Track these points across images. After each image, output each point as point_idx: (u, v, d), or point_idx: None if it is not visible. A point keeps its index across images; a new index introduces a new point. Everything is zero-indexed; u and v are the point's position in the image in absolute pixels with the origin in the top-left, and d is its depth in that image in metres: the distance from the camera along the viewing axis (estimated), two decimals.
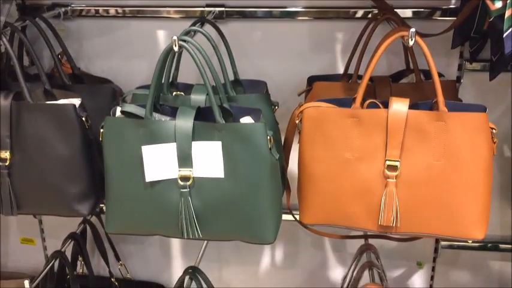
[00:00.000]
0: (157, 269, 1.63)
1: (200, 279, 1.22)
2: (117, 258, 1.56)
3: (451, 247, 1.42)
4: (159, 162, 0.98)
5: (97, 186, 1.10)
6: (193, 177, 0.98)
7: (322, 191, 1.03)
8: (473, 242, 1.39)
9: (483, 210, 0.97)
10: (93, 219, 1.49)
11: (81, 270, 1.53)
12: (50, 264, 1.25)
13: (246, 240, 1.02)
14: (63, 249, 1.31)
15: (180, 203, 0.98)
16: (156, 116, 1.01)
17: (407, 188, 0.98)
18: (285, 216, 1.39)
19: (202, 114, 1.01)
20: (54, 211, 1.11)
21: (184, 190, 0.98)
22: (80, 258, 1.50)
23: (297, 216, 1.26)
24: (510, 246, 1.38)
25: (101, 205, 1.43)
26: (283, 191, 1.16)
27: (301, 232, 1.53)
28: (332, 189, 1.02)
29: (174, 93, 1.15)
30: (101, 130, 1.02)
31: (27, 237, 1.65)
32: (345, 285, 1.33)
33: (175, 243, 1.60)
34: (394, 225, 0.99)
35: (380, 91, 1.18)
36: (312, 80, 1.26)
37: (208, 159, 0.97)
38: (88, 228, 1.48)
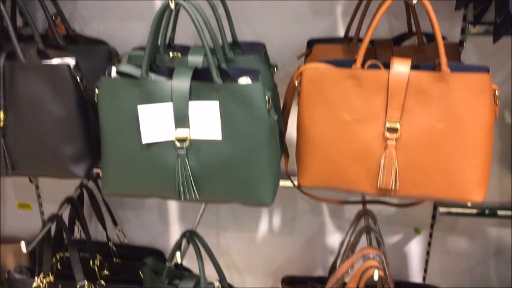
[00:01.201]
0: (155, 235, 1.63)
1: (197, 242, 1.22)
2: (115, 223, 1.55)
3: (449, 213, 1.42)
4: (155, 123, 0.97)
5: (93, 148, 1.09)
6: (190, 139, 0.97)
7: (321, 153, 1.02)
8: (471, 207, 1.39)
9: (483, 173, 0.96)
10: (90, 184, 1.49)
11: (78, 236, 1.52)
12: (47, 227, 1.24)
13: (244, 202, 1.01)
14: (59, 213, 1.30)
15: (177, 164, 0.97)
16: (152, 76, 1.00)
17: (407, 150, 0.97)
18: (283, 182, 1.39)
19: (200, 76, 0.99)
20: (49, 172, 1.10)
21: (181, 152, 0.97)
22: (77, 223, 1.50)
23: (295, 182, 1.26)
24: (509, 212, 1.38)
25: (98, 171, 1.43)
26: (281, 155, 1.15)
27: (299, 198, 1.52)
28: (331, 151, 1.01)
29: (171, 54, 1.13)
30: (96, 91, 1.00)
31: (24, 202, 1.65)
32: (342, 250, 1.34)
33: (173, 209, 1.60)
34: (393, 188, 0.98)
35: (381, 54, 1.16)
36: (311, 43, 1.24)
37: (206, 119, 0.96)
38: (85, 193, 1.48)
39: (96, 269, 1.40)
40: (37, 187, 1.60)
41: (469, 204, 0.99)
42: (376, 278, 1.09)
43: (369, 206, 1.31)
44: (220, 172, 0.98)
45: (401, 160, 0.97)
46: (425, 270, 1.53)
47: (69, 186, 1.45)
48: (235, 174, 0.98)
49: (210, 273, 1.25)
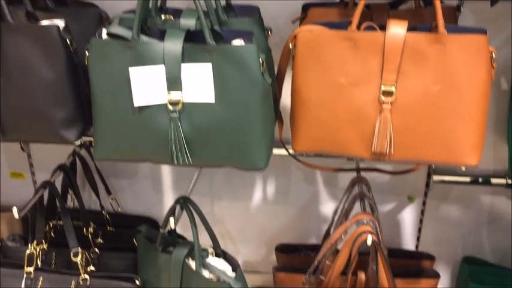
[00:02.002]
0: (149, 204, 1.63)
1: (191, 208, 1.21)
2: (108, 192, 1.55)
3: (442, 182, 1.42)
4: (147, 85, 0.95)
5: (84, 112, 1.08)
6: (183, 102, 0.96)
7: (316, 117, 1.01)
8: (465, 175, 1.39)
9: (478, 137, 0.96)
10: (83, 152, 1.47)
11: (71, 204, 1.52)
12: (39, 194, 1.23)
13: (237, 166, 1.01)
14: (52, 180, 1.29)
15: (170, 128, 0.96)
16: (144, 38, 0.97)
17: (402, 113, 0.96)
18: (277, 151, 1.38)
19: (192, 38, 0.97)
20: (41, 138, 1.09)
21: (173, 115, 0.96)
22: (70, 192, 1.49)
23: (290, 150, 1.25)
24: (502, 180, 1.38)
25: (90, 139, 1.42)
26: (276, 121, 1.14)
27: (293, 167, 1.52)
28: (325, 115, 1.00)
29: (163, 17, 1.11)
30: (86, 53, 0.98)
31: (17, 171, 1.63)
32: (336, 217, 1.34)
33: (167, 178, 1.59)
34: (387, 152, 0.98)
35: (377, 17, 1.14)
36: (306, 7, 1.22)
37: (199, 82, 0.94)
38: (78, 161, 1.46)
39: (90, 237, 1.40)
40: (29, 156, 1.58)
41: (464, 168, 0.98)
42: (369, 242, 1.09)
43: (363, 174, 1.31)
44: (214, 136, 0.97)
45: (396, 124, 0.96)
46: (418, 239, 1.54)
47: (61, 155, 1.43)
48: (228, 138, 0.97)
49: (204, 241, 1.25)
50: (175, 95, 0.95)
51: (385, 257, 1.12)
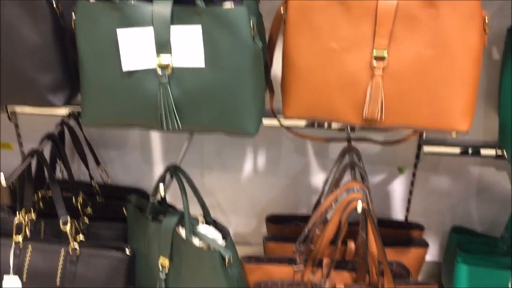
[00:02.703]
0: (139, 175, 1.62)
1: (181, 177, 1.21)
2: (97, 163, 1.53)
3: (432, 153, 1.42)
4: (136, 49, 0.94)
5: (71, 77, 1.06)
6: (173, 67, 0.94)
7: (307, 83, 1.00)
8: (455, 146, 1.40)
9: (469, 102, 0.96)
10: (72, 123, 1.45)
11: (60, 176, 1.50)
12: (27, 162, 1.22)
13: (227, 132, 1.00)
14: (40, 149, 1.27)
15: (159, 93, 0.95)
16: (132, 0, 0.95)
17: (394, 79, 0.95)
18: (268, 121, 1.38)
19: (181, 1, 0.95)
20: (28, 102, 1.07)
21: (163, 80, 0.95)
22: (59, 163, 1.47)
23: (282, 120, 1.25)
24: (492, 151, 1.38)
25: (78, 109, 1.40)
26: (266, 88, 1.13)
27: (284, 138, 1.51)
28: (317, 80, 0.99)
29: None
30: (73, 16, 0.96)
31: (4, 141, 1.61)
32: (327, 187, 1.34)
33: (157, 149, 1.58)
34: (378, 118, 0.97)
35: None
36: None
37: (188, 45, 0.93)
38: (66, 132, 1.44)
39: (79, 207, 1.39)
40: (16, 126, 1.56)
41: (454, 135, 0.98)
42: (359, 209, 1.09)
43: (354, 144, 1.31)
44: (204, 100, 0.96)
45: (387, 89, 0.96)
46: (407, 210, 1.55)
47: (50, 126, 1.41)
48: (218, 103, 0.96)
49: (195, 212, 1.25)
50: (164, 59, 0.93)
51: (375, 224, 1.12)
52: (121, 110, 0.99)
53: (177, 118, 0.96)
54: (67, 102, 1.07)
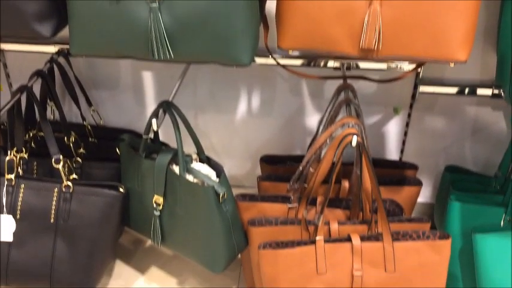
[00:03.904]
0: (131, 117, 1.60)
1: (174, 113, 1.19)
2: (89, 104, 1.51)
3: (429, 93, 1.41)
4: None
5: (58, 6, 1.02)
6: None
7: (303, 12, 0.97)
8: (451, 86, 1.38)
9: (468, 31, 0.93)
10: (61, 61, 1.42)
11: (52, 117, 1.48)
12: (16, 98, 1.19)
13: (221, 62, 0.97)
14: (29, 85, 1.24)
15: (149, 19, 0.92)
16: None
17: (392, 6, 0.93)
18: (261, 60, 1.35)
19: None
20: (15, 33, 1.03)
21: (153, 5, 0.91)
22: (50, 104, 1.45)
23: (277, 58, 1.22)
24: (489, 91, 1.36)
25: (67, 47, 1.36)
26: (261, 18, 1.09)
27: (278, 78, 1.49)
28: (313, 10, 0.96)
29: None
30: None
31: None
32: (322, 127, 1.33)
33: (149, 90, 1.56)
34: (375, 47, 0.95)
35: None
36: None
37: None
38: (56, 71, 1.41)
39: (72, 146, 1.38)
40: (5, 66, 1.53)
41: (452, 65, 0.96)
42: (354, 143, 1.08)
43: (350, 82, 1.29)
44: (196, 28, 0.93)
45: (385, 17, 0.93)
46: (402, 151, 1.55)
47: (39, 66, 1.38)
48: (211, 31, 0.93)
49: (188, 151, 1.24)
50: None
51: (370, 160, 1.11)
52: (110, 39, 0.95)
53: (169, 47, 0.93)
54: (55, 33, 1.03)
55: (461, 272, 1.29)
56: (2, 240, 1.24)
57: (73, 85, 1.45)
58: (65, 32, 1.07)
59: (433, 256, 1.13)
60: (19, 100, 1.23)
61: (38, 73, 1.30)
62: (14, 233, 1.25)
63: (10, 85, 1.56)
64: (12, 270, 1.27)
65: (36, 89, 1.33)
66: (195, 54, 0.96)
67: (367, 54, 0.97)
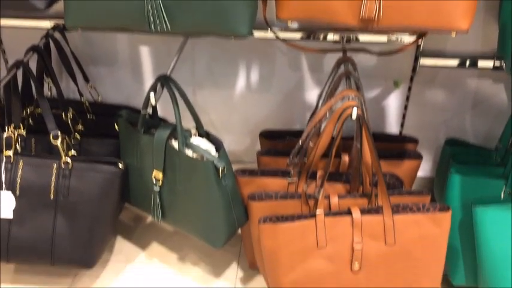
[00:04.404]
0: (129, 93, 1.59)
1: (172, 87, 1.18)
2: (86, 80, 1.50)
3: (429, 66, 1.39)
4: None
5: None
6: None
7: None
8: (452, 58, 1.37)
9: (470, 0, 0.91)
10: (57, 36, 1.40)
11: (49, 93, 1.47)
12: (12, 73, 1.18)
13: (218, 33, 0.96)
14: (25, 60, 1.23)
15: None
16: None
17: None
18: (260, 33, 1.34)
19: None
20: (8, 5, 1.01)
21: None
22: (47, 80, 1.43)
23: (276, 31, 1.20)
24: (490, 62, 1.35)
25: (62, 21, 1.34)
26: None
27: (277, 52, 1.47)
28: None
29: None
30: None
31: None
32: (321, 101, 1.32)
33: (147, 66, 1.54)
34: (376, 17, 0.93)
35: None
36: None
37: None
38: (53, 47, 1.39)
39: (70, 123, 1.37)
40: (0, 42, 1.51)
41: (454, 34, 0.94)
42: (354, 116, 1.07)
43: (350, 55, 1.27)
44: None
45: None
46: (402, 125, 1.54)
47: (35, 42, 1.36)
48: (209, 1, 0.91)
49: (187, 126, 1.23)
50: None
51: (370, 133, 1.11)
52: (106, 10, 0.94)
53: (165, 18, 0.92)
54: (49, 5, 1.01)
55: (461, 244, 1.29)
56: (2, 217, 1.24)
57: (70, 61, 1.43)
58: (60, 7, 1.06)
59: (433, 229, 1.13)
60: (15, 76, 1.22)
61: (34, 48, 1.28)
62: (14, 210, 1.25)
63: (6, 61, 1.55)
64: (13, 247, 1.27)
65: (33, 66, 1.32)
66: (192, 25, 0.94)
67: (367, 25, 0.96)
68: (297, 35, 1.35)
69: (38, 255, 1.28)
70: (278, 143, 1.42)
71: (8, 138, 1.24)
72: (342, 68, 1.25)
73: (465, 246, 1.29)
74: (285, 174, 1.25)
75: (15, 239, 1.26)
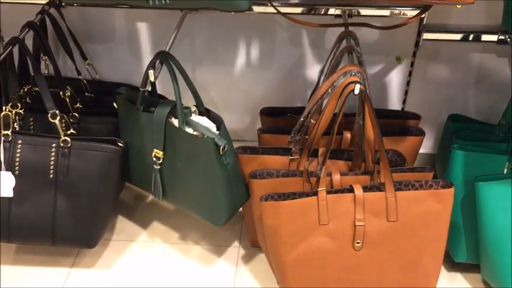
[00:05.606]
0: (127, 71, 1.56)
1: (171, 63, 1.16)
2: (84, 57, 1.47)
3: (432, 39, 1.37)
4: None
5: None
6: None
7: None
8: (455, 32, 1.34)
9: None
10: (53, 12, 1.37)
11: (46, 71, 1.45)
12: (8, 50, 1.16)
13: (217, 7, 0.94)
14: (21, 37, 1.20)
15: None
16: None
17: None
18: (260, 8, 1.31)
19: None
20: None
21: None
22: (44, 58, 1.41)
23: (276, 5, 1.17)
24: (494, 37, 1.33)
25: None
26: None
27: (278, 27, 1.45)
28: None
29: None
30: None
31: None
32: (323, 77, 1.30)
33: (145, 43, 1.52)
34: None
35: None
36: None
37: None
38: (49, 24, 1.37)
39: (68, 101, 1.35)
40: None
41: (459, 6, 0.92)
42: (356, 91, 1.06)
43: (352, 30, 1.25)
44: None
45: None
46: (404, 101, 1.53)
47: (31, 19, 1.33)
48: None
49: (187, 104, 1.21)
50: None
51: (372, 109, 1.09)
52: None
53: None
54: None
55: (463, 220, 1.28)
56: (2, 195, 1.23)
57: (66, 38, 1.40)
58: None
59: (435, 205, 1.12)
60: (11, 53, 1.20)
61: (29, 25, 1.25)
62: (13, 189, 1.24)
63: (2, 39, 1.52)
64: (13, 227, 1.27)
65: (29, 44, 1.29)
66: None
67: None
68: (297, 10, 1.32)
69: (39, 235, 1.27)
70: (279, 120, 1.41)
71: (6, 117, 1.23)
72: (343, 43, 1.23)
73: (467, 222, 1.29)
74: (286, 151, 1.24)
75: (16, 219, 1.26)
